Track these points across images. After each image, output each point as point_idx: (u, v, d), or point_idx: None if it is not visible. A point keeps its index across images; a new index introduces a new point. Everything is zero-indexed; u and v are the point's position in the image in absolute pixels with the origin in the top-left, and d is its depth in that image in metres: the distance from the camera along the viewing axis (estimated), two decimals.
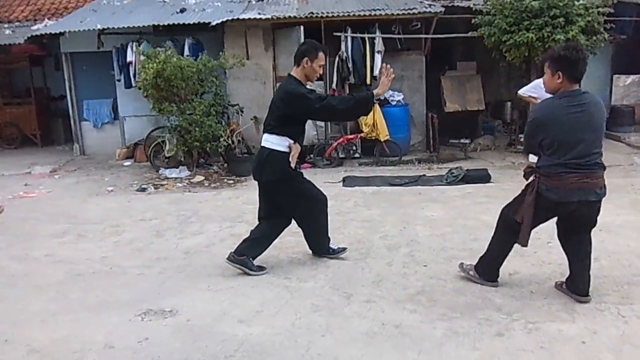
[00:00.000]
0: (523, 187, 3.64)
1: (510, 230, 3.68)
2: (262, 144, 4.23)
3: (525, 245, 3.60)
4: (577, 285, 3.63)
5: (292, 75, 4.20)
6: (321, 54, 4.14)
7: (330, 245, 4.56)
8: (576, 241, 3.61)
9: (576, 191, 3.35)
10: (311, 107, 4.03)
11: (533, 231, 4.58)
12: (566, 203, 3.40)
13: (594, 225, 3.60)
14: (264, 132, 4.26)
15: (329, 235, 4.57)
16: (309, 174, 8.50)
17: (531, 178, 3.55)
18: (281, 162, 4.14)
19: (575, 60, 3.33)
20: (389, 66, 4.04)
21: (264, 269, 4.30)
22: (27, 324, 3.57)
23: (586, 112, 3.35)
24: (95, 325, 3.51)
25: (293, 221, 4.46)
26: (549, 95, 3.52)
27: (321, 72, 4.24)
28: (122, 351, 3.17)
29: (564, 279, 3.77)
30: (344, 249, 4.59)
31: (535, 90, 6.03)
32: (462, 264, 4.08)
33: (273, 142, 4.16)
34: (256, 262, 4.31)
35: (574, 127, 3.32)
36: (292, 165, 4.15)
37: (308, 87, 4.25)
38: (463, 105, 10.01)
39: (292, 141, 4.15)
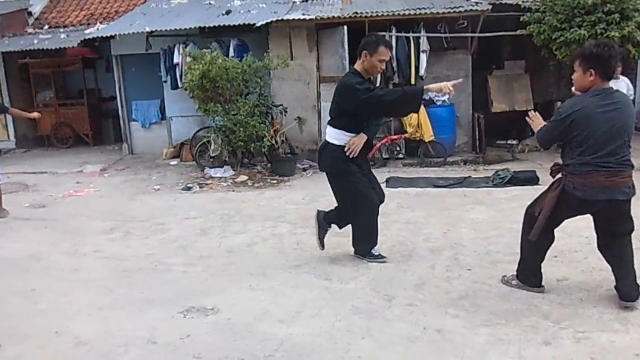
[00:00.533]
0: (549, 185, 3.61)
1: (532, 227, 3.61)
2: (326, 136, 4.40)
3: (534, 239, 3.55)
4: (621, 289, 3.52)
5: (354, 68, 4.21)
6: (382, 48, 4.06)
7: (372, 250, 4.48)
8: (615, 247, 3.54)
9: (604, 189, 3.31)
10: (358, 98, 3.98)
11: (584, 236, 4.45)
12: (592, 202, 3.36)
13: (632, 228, 3.51)
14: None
15: (376, 240, 4.48)
16: None
17: (558, 175, 3.51)
18: (333, 154, 4.23)
19: (608, 57, 3.28)
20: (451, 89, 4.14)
21: (322, 247, 4.55)
22: (76, 317, 3.68)
23: (619, 111, 3.32)
24: (140, 321, 3.58)
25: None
26: None
27: (382, 67, 4.18)
28: (165, 347, 3.22)
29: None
30: (383, 259, 4.44)
31: None
32: (504, 277, 3.96)
33: (330, 134, 4.28)
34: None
35: (607, 125, 3.28)
36: (350, 154, 4.16)
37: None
38: (511, 105, 9.75)
39: (350, 134, 4.18)
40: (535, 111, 3.79)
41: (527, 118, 3.78)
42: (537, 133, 3.60)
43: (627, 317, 3.35)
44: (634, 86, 9.62)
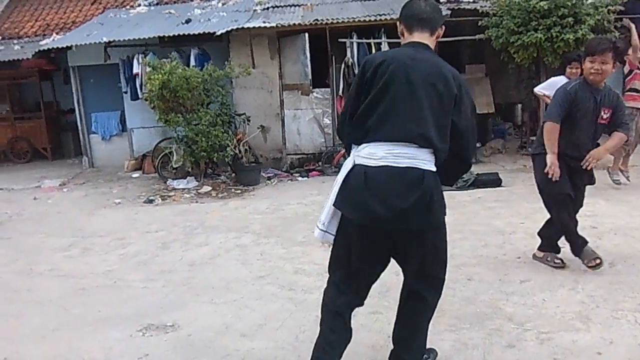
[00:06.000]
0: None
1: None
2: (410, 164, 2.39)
3: None
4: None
5: (428, 47, 2.57)
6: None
7: None
8: None
9: None
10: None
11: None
12: None
13: None
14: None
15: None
16: (317, 181, 8.47)
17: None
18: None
19: None
20: None
21: None
22: (27, 341, 3.50)
23: None
24: (95, 341, 3.43)
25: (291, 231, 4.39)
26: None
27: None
28: None
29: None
30: None
31: (548, 88, 5.90)
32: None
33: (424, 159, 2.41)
34: None
35: None
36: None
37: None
38: None
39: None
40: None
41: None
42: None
43: (589, 315, 3.37)
44: None
